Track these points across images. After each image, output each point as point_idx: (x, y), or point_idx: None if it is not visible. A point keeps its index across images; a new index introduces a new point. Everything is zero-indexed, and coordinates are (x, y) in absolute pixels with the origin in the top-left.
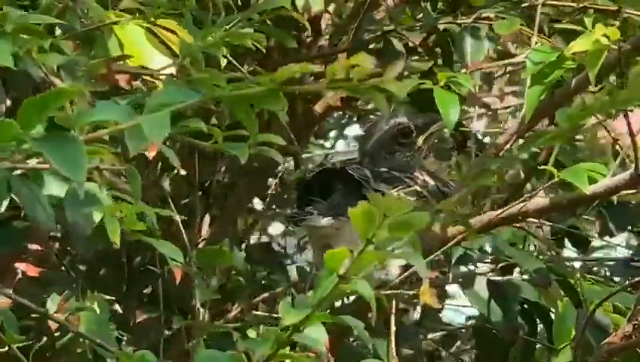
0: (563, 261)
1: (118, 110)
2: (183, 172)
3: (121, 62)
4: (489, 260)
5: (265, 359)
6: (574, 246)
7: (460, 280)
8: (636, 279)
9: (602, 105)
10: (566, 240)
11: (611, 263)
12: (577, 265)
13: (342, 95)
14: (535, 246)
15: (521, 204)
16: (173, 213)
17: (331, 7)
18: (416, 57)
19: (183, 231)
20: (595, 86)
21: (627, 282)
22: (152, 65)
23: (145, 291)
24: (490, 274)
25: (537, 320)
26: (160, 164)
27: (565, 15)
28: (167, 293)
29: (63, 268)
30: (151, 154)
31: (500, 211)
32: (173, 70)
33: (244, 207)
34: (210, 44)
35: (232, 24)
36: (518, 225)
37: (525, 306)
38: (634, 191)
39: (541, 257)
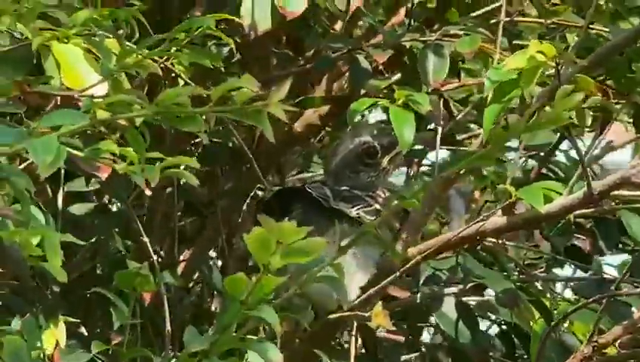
0: (535, 280)
1: (9, 133)
2: (148, 192)
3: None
4: (457, 280)
5: None
6: (579, 262)
7: (428, 300)
8: (591, 299)
9: (526, 126)
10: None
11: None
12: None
13: (321, 113)
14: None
15: (479, 224)
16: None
17: None
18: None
19: (152, 252)
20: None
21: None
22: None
23: None
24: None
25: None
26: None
27: (533, 31)
28: (141, 315)
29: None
30: (103, 176)
31: (458, 231)
32: (104, 90)
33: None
34: (132, 64)
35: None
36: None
37: (503, 327)
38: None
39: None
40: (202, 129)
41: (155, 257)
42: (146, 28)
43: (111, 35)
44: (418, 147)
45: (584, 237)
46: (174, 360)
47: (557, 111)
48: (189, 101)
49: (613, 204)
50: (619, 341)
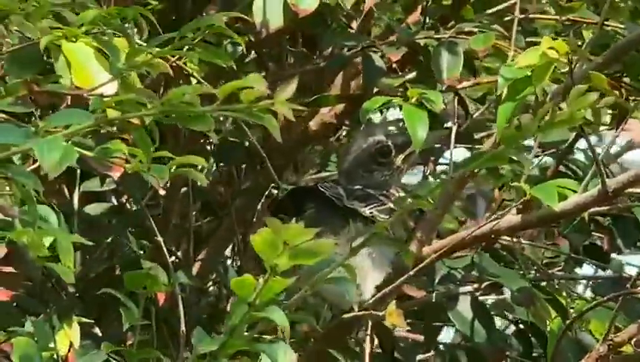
0: (551, 279)
1: (15, 133)
2: (162, 192)
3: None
4: (473, 279)
5: None
6: (597, 261)
7: (444, 299)
8: (606, 297)
9: (540, 126)
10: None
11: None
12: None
13: (336, 111)
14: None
15: (494, 223)
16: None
17: None
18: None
19: (166, 252)
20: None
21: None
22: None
23: None
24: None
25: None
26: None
27: (549, 29)
28: (156, 315)
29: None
30: (115, 175)
31: (472, 230)
32: (113, 89)
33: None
34: (141, 63)
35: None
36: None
37: (520, 326)
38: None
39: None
40: (212, 128)
41: (169, 257)
42: (157, 27)
43: (120, 34)
44: (435, 145)
45: (602, 236)
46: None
47: (571, 110)
48: (197, 99)
49: (629, 201)
50: (634, 339)
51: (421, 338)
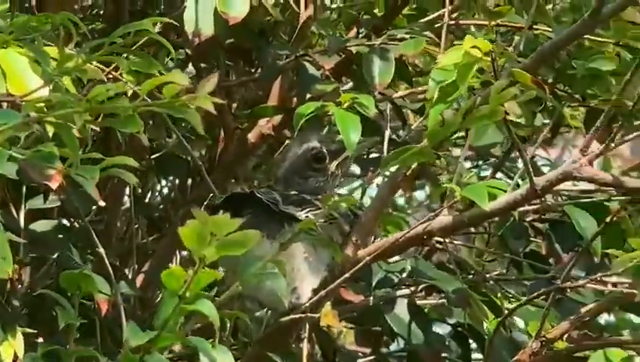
0: (486, 281)
1: None
2: (102, 203)
3: None
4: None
5: None
6: (532, 267)
7: (381, 303)
8: (536, 293)
9: (462, 122)
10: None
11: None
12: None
13: (274, 123)
14: None
15: (426, 224)
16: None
17: None
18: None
19: (107, 263)
20: None
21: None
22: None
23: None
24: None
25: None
26: None
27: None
28: (100, 327)
29: None
30: (54, 185)
31: (404, 232)
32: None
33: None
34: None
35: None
36: (441, 246)
37: (458, 329)
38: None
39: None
40: (141, 129)
41: (111, 269)
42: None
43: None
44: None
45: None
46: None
47: (492, 105)
48: (125, 101)
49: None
50: (566, 335)
51: (367, 351)
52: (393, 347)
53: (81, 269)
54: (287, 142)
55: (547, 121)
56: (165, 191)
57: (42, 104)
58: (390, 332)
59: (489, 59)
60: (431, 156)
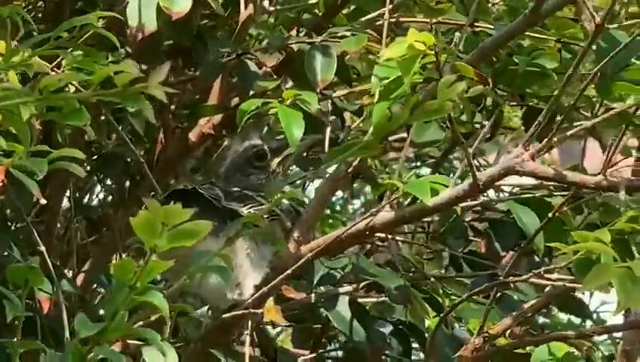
0: (427, 278)
1: None
2: (43, 201)
3: None
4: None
5: None
6: (471, 267)
7: (323, 300)
8: (478, 289)
9: (409, 116)
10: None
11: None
12: None
13: (214, 122)
14: None
15: (368, 220)
16: None
17: None
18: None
19: (49, 261)
20: None
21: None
22: None
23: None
24: (353, 293)
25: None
26: None
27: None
28: (41, 325)
29: None
30: None
31: (347, 228)
32: None
33: (125, 236)
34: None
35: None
36: (381, 244)
37: (399, 326)
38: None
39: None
40: (88, 122)
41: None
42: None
43: None
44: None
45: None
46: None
47: (440, 100)
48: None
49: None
50: (508, 331)
51: (306, 353)
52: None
53: (28, 263)
54: (225, 142)
55: (485, 122)
56: (102, 192)
57: None
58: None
59: (432, 52)
60: (377, 149)
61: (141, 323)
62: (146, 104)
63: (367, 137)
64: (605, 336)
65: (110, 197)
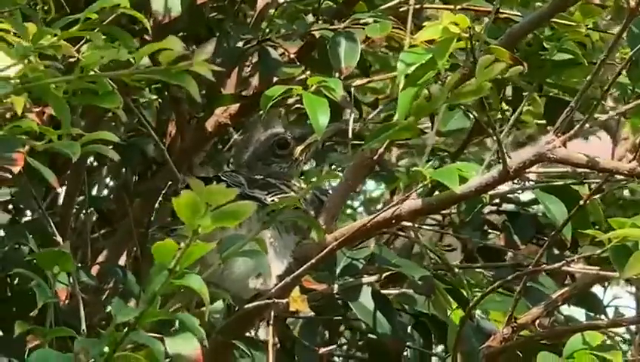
0: (451, 269)
1: None
2: (59, 189)
3: None
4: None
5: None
6: (486, 260)
7: (346, 291)
8: (504, 279)
9: (448, 96)
10: None
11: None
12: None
13: (231, 112)
14: None
15: (395, 208)
16: None
17: None
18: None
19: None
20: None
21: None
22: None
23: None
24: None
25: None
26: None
27: None
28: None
29: None
30: (15, 169)
31: (373, 216)
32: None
33: (139, 227)
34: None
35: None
36: (403, 233)
37: (420, 318)
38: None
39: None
40: (120, 105)
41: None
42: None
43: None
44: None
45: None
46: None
47: (479, 80)
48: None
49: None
50: (538, 321)
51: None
52: None
53: (59, 248)
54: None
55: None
56: (113, 184)
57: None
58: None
59: (467, 35)
60: (416, 131)
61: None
62: (192, 82)
63: (399, 119)
64: (623, 329)
65: (122, 189)
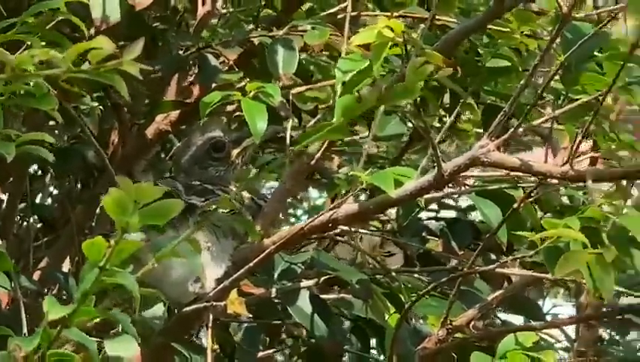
0: (388, 273)
1: None
2: (2, 196)
3: None
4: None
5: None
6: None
7: (283, 294)
8: (439, 281)
9: (379, 98)
10: None
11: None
12: None
13: (172, 119)
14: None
15: (332, 212)
16: None
17: None
18: None
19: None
20: None
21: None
22: None
23: None
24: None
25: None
26: None
27: None
28: None
29: None
30: None
31: (310, 220)
32: None
33: (81, 234)
34: None
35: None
36: (342, 238)
37: (358, 323)
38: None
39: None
40: (56, 107)
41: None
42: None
43: None
44: None
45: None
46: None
47: (409, 83)
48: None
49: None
50: (472, 323)
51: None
52: None
53: None
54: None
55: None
56: (55, 191)
57: None
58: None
59: (401, 40)
60: (346, 132)
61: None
62: (121, 81)
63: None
64: (563, 337)
65: (63, 196)
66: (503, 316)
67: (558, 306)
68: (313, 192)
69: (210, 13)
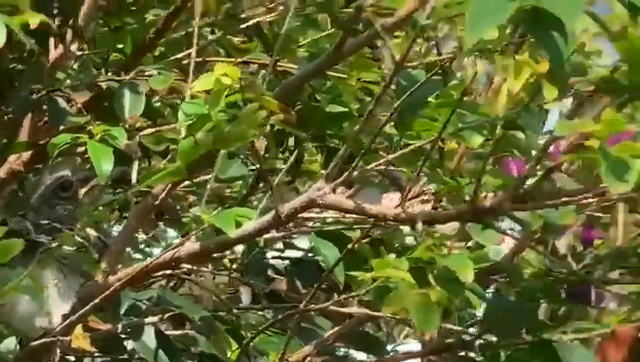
0: (230, 310)
1: None
2: None
3: None
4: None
5: None
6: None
7: (129, 330)
8: (271, 321)
9: (213, 142)
10: None
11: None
12: None
13: (24, 159)
14: None
15: (174, 251)
16: None
17: None
18: None
19: None
20: None
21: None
22: None
23: None
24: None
25: None
26: None
27: None
28: None
29: None
30: None
31: (154, 258)
32: None
33: None
34: None
35: None
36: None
37: (202, 358)
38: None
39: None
40: None
41: None
42: None
43: None
44: None
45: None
46: None
47: (241, 128)
48: None
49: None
50: (309, 359)
51: None
52: None
53: None
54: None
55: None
56: None
57: None
58: None
59: (238, 86)
60: (184, 175)
61: None
62: None
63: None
64: None
65: None
66: (353, 352)
67: (403, 344)
68: (171, 231)
69: (63, 56)
